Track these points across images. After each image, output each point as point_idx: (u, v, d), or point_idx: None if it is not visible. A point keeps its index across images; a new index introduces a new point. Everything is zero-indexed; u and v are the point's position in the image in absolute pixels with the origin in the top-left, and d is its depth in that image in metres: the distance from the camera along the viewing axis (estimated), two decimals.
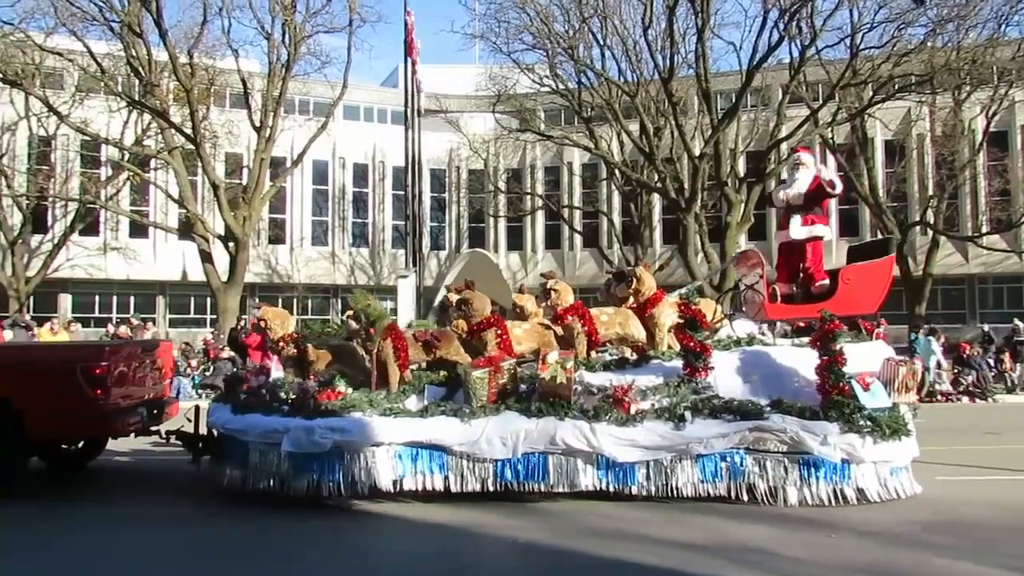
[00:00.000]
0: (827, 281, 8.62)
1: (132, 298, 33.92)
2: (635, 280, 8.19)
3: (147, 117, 26.64)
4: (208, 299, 23.98)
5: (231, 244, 23.78)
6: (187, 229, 26.28)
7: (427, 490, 6.92)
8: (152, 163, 28.49)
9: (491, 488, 6.92)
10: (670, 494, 6.83)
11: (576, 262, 38.33)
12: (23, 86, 23.59)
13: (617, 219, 35.05)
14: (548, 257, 38.29)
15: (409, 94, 21.61)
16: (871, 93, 24.91)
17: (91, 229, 31.65)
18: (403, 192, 30.10)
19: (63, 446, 8.86)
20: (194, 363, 20.56)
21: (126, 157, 27.46)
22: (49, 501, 7.54)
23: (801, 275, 8.76)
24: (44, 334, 17.98)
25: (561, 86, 27.70)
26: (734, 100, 23.85)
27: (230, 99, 30.19)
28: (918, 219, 29.47)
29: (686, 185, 25.74)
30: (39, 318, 25.07)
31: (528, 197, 37.14)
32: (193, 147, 23.44)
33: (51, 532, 6.40)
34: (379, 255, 38.20)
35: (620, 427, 6.89)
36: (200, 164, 24.37)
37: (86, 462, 9.05)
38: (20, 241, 27.89)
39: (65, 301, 32.96)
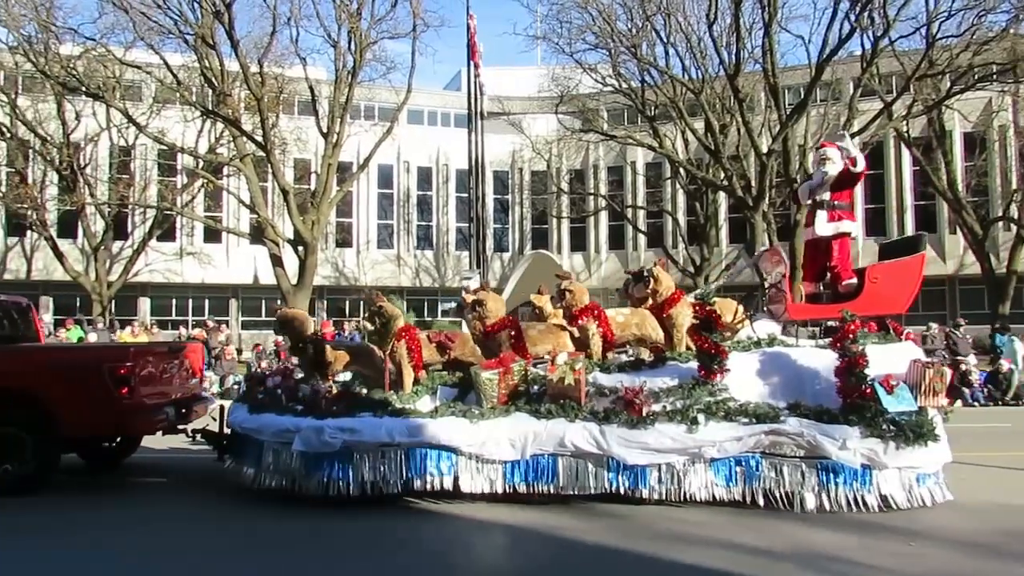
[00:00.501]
0: (854, 280, 8.27)
1: (207, 301, 35.04)
2: (652, 280, 7.98)
3: (220, 126, 27.50)
4: (278, 302, 24.53)
5: (300, 248, 24.32)
6: (258, 234, 26.99)
7: (435, 490, 6.92)
8: (225, 170, 29.37)
9: (499, 490, 6.88)
10: (683, 498, 6.71)
11: (640, 262, 37.93)
12: (105, 99, 24.60)
13: (682, 218, 34.57)
14: (612, 257, 38.02)
15: (472, 97, 21.77)
16: (949, 84, 23.96)
17: (168, 235, 32.88)
18: (466, 195, 30.44)
19: (102, 444, 9.12)
20: (264, 364, 21.07)
21: (200, 165, 28.41)
22: (99, 499, 7.84)
23: (828, 274, 8.46)
24: (125, 336, 18.76)
25: (624, 85, 27.48)
26: (803, 95, 23.22)
27: (298, 106, 30.90)
28: (1000, 215, 28.21)
29: (753, 183, 25.23)
30: (120, 321, 26.18)
31: (591, 197, 36.94)
32: (264, 154, 24.04)
33: (107, 530, 6.62)
34: (443, 257, 38.55)
35: (630, 429, 6.78)
36: (270, 170, 25.01)
37: (122, 459, 9.35)
38: (103, 247, 29.12)
39: (144, 304, 34.27)
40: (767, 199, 24.89)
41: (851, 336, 6.91)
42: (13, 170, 29.75)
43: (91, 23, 25.35)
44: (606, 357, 7.94)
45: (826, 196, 8.31)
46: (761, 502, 6.66)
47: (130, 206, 30.61)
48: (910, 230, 31.36)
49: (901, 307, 8.18)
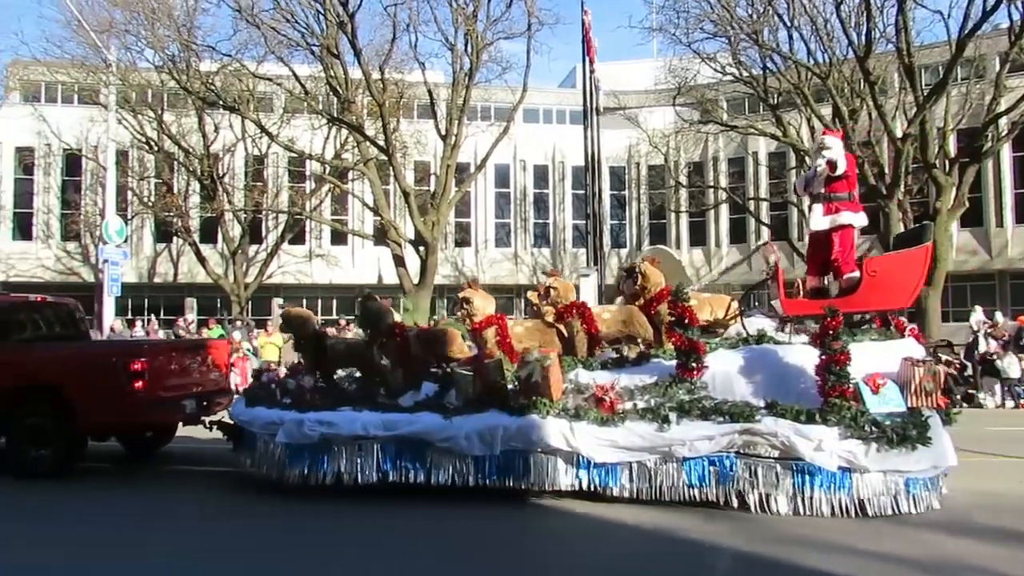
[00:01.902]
0: (856, 273, 7.82)
1: (334, 301, 36.53)
2: (640, 277, 7.86)
3: (344, 132, 28.60)
4: (401, 300, 25.27)
5: (421, 248, 24.93)
6: (382, 235, 27.91)
7: (409, 483, 7.09)
8: (350, 174, 30.56)
9: (471, 484, 6.97)
10: (655, 497, 6.64)
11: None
12: (240, 111, 26.08)
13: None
14: (733, 251, 36.93)
15: (587, 93, 21.63)
16: None
17: (298, 238, 34.56)
18: (583, 191, 30.29)
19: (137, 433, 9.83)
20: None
21: (327, 170, 29.67)
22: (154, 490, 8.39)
23: (831, 268, 8.05)
24: (261, 336, 19.86)
25: (745, 73, 26.54)
26: (942, 74, 21.70)
27: (417, 110, 31.71)
28: None
29: (887, 170, 23.78)
30: (256, 320, 27.69)
31: (711, 190, 35.98)
32: (386, 157, 24.81)
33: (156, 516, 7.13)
34: (560, 255, 38.57)
35: (600, 427, 6.72)
36: (392, 173, 25.78)
37: (158, 448, 9.98)
38: (239, 251, 30.92)
39: (277, 305, 36.15)
40: (903, 186, 23.43)
41: (832, 332, 6.66)
42: (160, 181, 32.09)
43: (226, 40, 26.97)
44: (592, 354, 7.92)
45: (821, 189, 7.98)
46: (735, 503, 6.51)
47: (264, 212, 32.37)
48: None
49: (905, 301, 7.76)
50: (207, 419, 9.02)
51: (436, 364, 8.23)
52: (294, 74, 24.79)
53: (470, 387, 7.32)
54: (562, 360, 7.58)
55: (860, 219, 8.01)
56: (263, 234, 33.70)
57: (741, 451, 6.58)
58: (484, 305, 8.06)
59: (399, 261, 25.76)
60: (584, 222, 28.81)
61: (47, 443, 8.49)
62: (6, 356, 8.91)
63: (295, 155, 29.21)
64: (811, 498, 6.36)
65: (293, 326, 9.05)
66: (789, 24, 24.52)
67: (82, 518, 7.07)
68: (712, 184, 36.14)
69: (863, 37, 22.26)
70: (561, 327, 8.08)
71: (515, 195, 38.80)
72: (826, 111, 24.99)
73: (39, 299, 10.54)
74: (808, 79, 25.41)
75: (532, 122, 37.97)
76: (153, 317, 29.36)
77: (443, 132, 25.29)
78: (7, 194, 34.88)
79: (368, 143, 25.10)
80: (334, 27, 22.87)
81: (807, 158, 28.22)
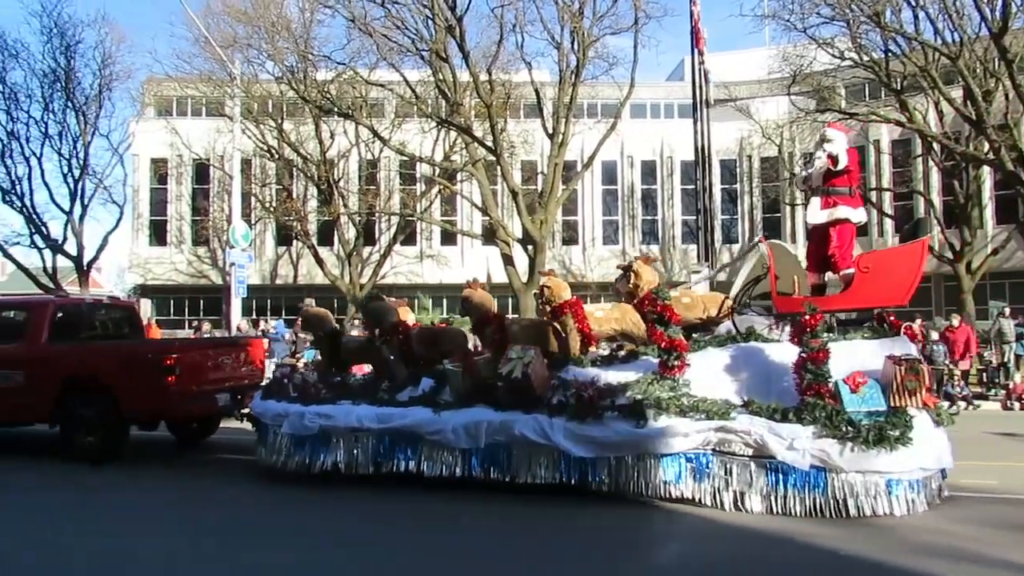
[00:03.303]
0: (852, 269, 7.70)
1: (444, 300, 37.27)
2: (633, 275, 7.91)
3: (453, 134, 29.12)
4: (510, 299, 25.48)
5: (530, 247, 25.06)
6: (490, 235, 28.23)
7: (401, 473, 7.45)
8: (458, 176, 31.08)
9: (458, 475, 7.26)
10: (634, 492, 6.71)
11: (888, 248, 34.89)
12: (354, 117, 26.99)
13: (937, 199, 31.19)
14: (856, 244, 35.23)
15: (696, 85, 21.12)
16: None
17: (410, 239, 35.44)
18: (692, 186, 29.65)
19: (191, 425, 10.69)
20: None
21: (437, 172, 30.29)
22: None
23: (829, 264, 7.94)
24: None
25: (865, 58, 25.27)
26: None
27: (524, 110, 31.89)
28: None
29: None
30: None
31: None
32: (494, 158, 25.08)
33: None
34: (669, 251, 37.92)
35: (578, 423, 6.86)
36: (500, 173, 26.04)
37: (204, 438, 10.71)
38: (354, 253, 31.99)
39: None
40: None
41: (810, 330, 6.60)
42: (281, 187, 33.61)
43: (340, 50, 27.95)
44: (585, 352, 8.07)
45: (820, 183, 7.92)
46: (708, 502, 6.52)
47: (377, 214, 33.39)
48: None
49: (900, 298, 7.51)
50: (239, 411, 9.75)
51: (437, 361, 8.53)
52: (404, 79, 25.42)
53: (460, 383, 7.61)
54: (553, 356, 7.93)
55: (858, 214, 7.90)
56: (376, 236, 34.76)
57: (717, 449, 6.60)
58: (481, 305, 8.35)
59: (508, 260, 25.98)
60: (694, 218, 28.19)
61: (94, 431, 9.37)
62: (61, 352, 9.93)
63: (406, 158, 29.96)
64: (784, 497, 6.33)
65: (312, 325, 9.72)
66: (914, 3, 23.19)
67: (116, 497, 7.89)
68: None
69: (998, 13, 20.76)
70: (557, 324, 8.30)
71: (623, 192, 38.42)
72: (956, 93, 23.50)
73: (96, 301, 11.81)
74: (936, 60, 23.94)
75: (639, 117, 37.50)
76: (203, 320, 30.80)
77: (550, 131, 25.33)
78: (144, 203, 37.49)
79: (476, 144, 25.45)
80: (443, 31, 23.31)
81: (934, 144, 26.64)
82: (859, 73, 28.13)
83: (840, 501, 6.25)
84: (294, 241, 35.54)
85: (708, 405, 6.68)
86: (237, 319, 21.78)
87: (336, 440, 7.81)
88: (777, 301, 7.89)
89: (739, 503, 6.47)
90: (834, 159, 7.68)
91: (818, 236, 8.07)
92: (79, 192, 31.55)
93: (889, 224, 34.02)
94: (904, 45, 24.25)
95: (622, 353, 8.10)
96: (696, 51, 20.85)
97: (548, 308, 8.31)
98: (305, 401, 8.20)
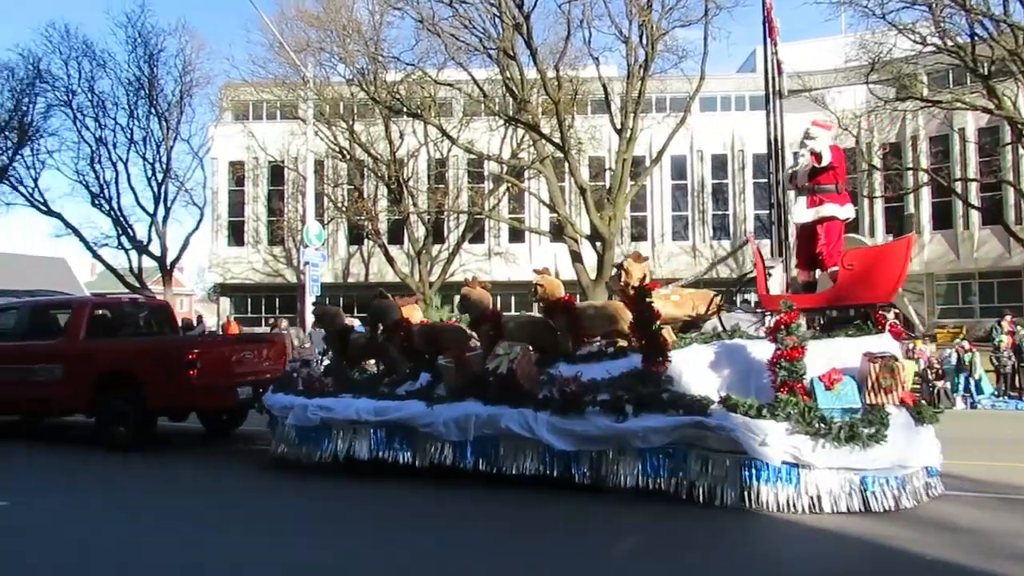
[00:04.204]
0: (838, 267, 7.68)
1: (512, 297, 37.38)
2: (624, 273, 7.98)
3: (521, 131, 29.16)
4: (578, 296, 25.37)
5: (598, 243, 24.91)
6: (558, 232, 28.15)
7: (398, 463, 7.79)
8: (526, 173, 31.11)
9: (449, 465, 7.55)
10: (615, 485, 6.84)
11: (974, 242, 33.39)
12: (423, 117, 27.31)
13: None
14: (938, 239, 33.91)
15: (769, 76, 20.53)
16: None
17: (478, 237, 35.69)
18: (765, 180, 28.87)
19: (221, 416, 11.23)
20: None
21: (504, 170, 30.38)
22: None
23: (817, 262, 7.99)
24: None
25: (949, 43, 24.20)
26: None
27: (591, 106, 31.70)
28: None
29: None
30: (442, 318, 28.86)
31: (910, 172, 33.16)
32: (562, 154, 25.01)
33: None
34: (742, 247, 37.14)
35: (561, 417, 7.08)
36: (568, 170, 25.95)
37: (233, 429, 11.14)
38: (424, 251, 32.39)
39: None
40: None
41: (785, 327, 6.65)
42: (352, 187, 34.30)
43: (409, 50, 28.31)
44: (577, 348, 8.25)
45: (806, 181, 7.92)
46: (685, 495, 6.59)
47: (446, 212, 33.71)
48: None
49: (885, 296, 7.51)
50: (258, 404, 10.05)
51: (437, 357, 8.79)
52: (472, 78, 25.57)
53: (453, 378, 7.92)
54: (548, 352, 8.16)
55: (845, 211, 7.87)
56: (445, 234, 35.13)
57: (693, 443, 6.70)
58: (479, 302, 8.65)
59: (576, 257, 25.88)
60: (767, 212, 27.55)
61: (126, 422, 10.03)
62: (96, 347, 10.61)
63: (474, 156, 30.16)
64: (758, 492, 6.38)
65: (324, 322, 10.17)
66: None
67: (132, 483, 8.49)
68: (912, 166, 33.29)
69: None
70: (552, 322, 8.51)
71: (692, 186, 37.82)
72: None
73: (132, 299, 12.62)
74: None
75: (710, 110, 36.86)
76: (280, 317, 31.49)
77: (618, 126, 25.10)
78: (223, 204, 38.80)
79: (544, 141, 25.42)
80: (510, 29, 23.35)
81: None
82: (942, 59, 26.95)
83: (813, 497, 6.30)
84: (365, 240, 36.21)
85: (686, 401, 6.84)
86: (311, 317, 22.27)
87: (336, 432, 8.21)
88: (764, 299, 7.94)
89: (715, 497, 6.55)
90: (818, 156, 7.68)
91: (806, 234, 8.10)
92: (162, 195, 32.92)
93: (975, 216, 32.60)
94: (991, 28, 23.12)
95: (611, 349, 8.26)
96: (768, 41, 20.30)
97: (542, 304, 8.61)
98: (309, 394, 8.64)
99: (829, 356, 6.86)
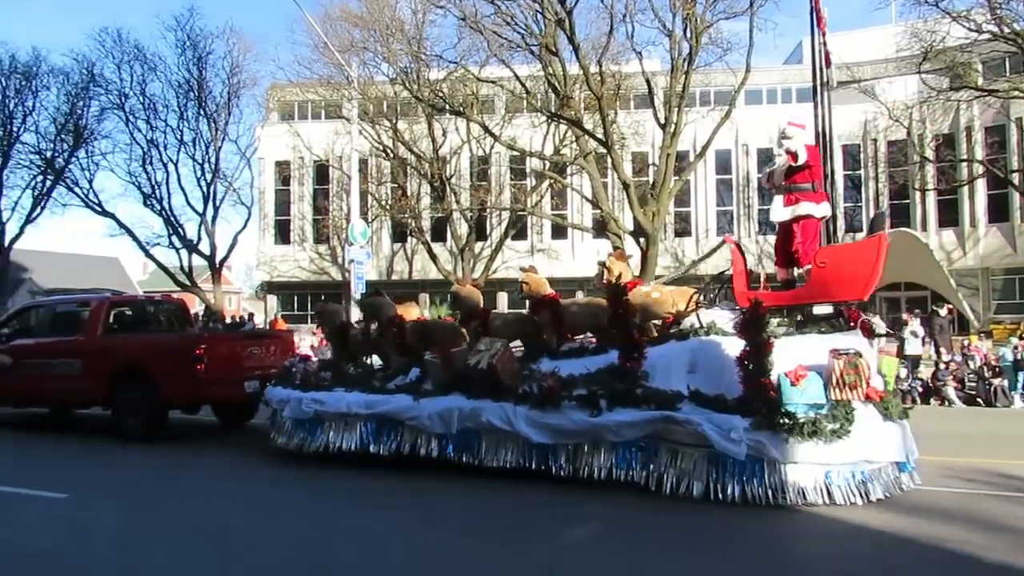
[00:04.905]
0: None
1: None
2: (606, 271, 8.19)
3: (563, 128, 29.07)
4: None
5: (641, 239, 24.73)
6: (601, 228, 28.03)
7: (388, 455, 8.08)
8: (568, 169, 31.01)
9: (435, 456, 7.82)
10: (591, 477, 7.03)
11: None
12: (465, 114, 27.41)
13: None
14: (994, 232, 32.93)
15: (817, 68, 20.12)
16: None
17: (521, 234, 35.68)
18: None
19: (233, 410, 11.56)
20: None
21: (547, 166, 30.33)
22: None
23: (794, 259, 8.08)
24: None
25: (1006, 30, 23.47)
26: None
27: (634, 100, 31.47)
28: None
29: None
30: None
31: (964, 164, 32.24)
32: (605, 150, 24.87)
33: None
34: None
35: (540, 411, 7.30)
36: (611, 165, 25.80)
37: (247, 420, 11.45)
38: (467, 248, 32.52)
39: (502, 299, 37.55)
40: None
41: (754, 323, 6.76)
42: (396, 185, 34.59)
43: (452, 48, 28.43)
44: (561, 344, 8.47)
45: (782, 180, 8.02)
46: (653, 487, 6.75)
47: (488, 210, 33.78)
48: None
49: (858, 293, 7.51)
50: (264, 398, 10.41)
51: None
52: (515, 75, 25.58)
53: (438, 373, 8.18)
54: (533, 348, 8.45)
55: (821, 209, 7.94)
56: (488, 231, 35.20)
57: (663, 437, 6.87)
58: (469, 301, 9.10)
59: (604, 254, 25.71)
60: None
61: (139, 414, 10.52)
62: (111, 343, 11.08)
63: (517, 153, 30.16)
64: (724, 485, 6.52)
65: (324, 319, 10.64)
66: None
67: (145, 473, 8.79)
68: (966, 157, 32.35)
69: None
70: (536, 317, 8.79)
71: (737, 181, 37.28)
72: None
73: (148, 298, 13.05)
74: None
75: (755, 103, 36.26)
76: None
77: (662, 121, 24.89)
78: (269, 203, 39.44)
79: (587, 137, 25.32)
80: (552, 25, 23.30)
81: None
82: (998, 46, 26.14)
83: (777, 490, 6.41)
84: (409, 237, 36.48)
85: (658, 396, 7.01)
86: (356, 315, 22.53)
87: (328, 423, 8.53)
88: (739, 296, 8.03)
89: (681, 488, 6.70)
90: (794, 155, 7.75)
91: (784, 232, 8.21)
92: (211, 195, 33.65)
93: None
94: None
95: (591, 345, 8.44)
96: (817, 31, 19.91)
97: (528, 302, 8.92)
98: (304, 388, 8.98)
99: (799, 353, 6.97)
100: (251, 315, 34.60)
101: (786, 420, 6.46)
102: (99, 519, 6.69)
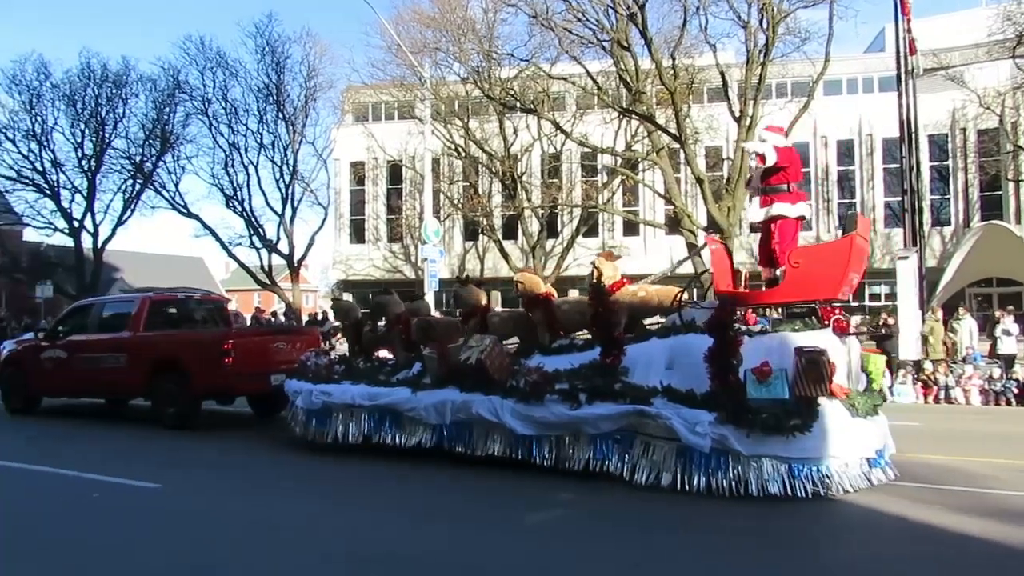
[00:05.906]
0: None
1: None
2: (595, 270, 8.51)
3: (635, 123, 28.78)
4: (695, 290, 24.80)
5: (716, 235, 24.27)
6: (674, 224, 27.66)
7: (387, 444, 8.63)
8: (640, 165, 30.69)
9: (429, 446, 8.35)
10: (572, 467, 7.45)
11: None
12: (537, 112, 27.44)
13: None
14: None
15: (900, 55, 19.43)
16: None
17: (592, 231, 35.48)
18: (896, 165, 27.37)
19: (263, 401, 12.23)
20: None
21: (619, 162, 30.09)
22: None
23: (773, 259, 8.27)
24: None
25: None
26: None
27: (708, 94, 30.92)
28: None
29: None
30: None
31: None
32: (678, 145, 24.52)
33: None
34: (871, 236, 35.29)
35: (525, 405, 7.71)
36: (684, 160, 25.41)
37: (279, 411, 11.49)
38: (538, 246, 32.55)
39: (573, 296, 37.47)
40: None
41: (724, 321, 7.06)
42: (467, 184, 34.88)
43: (522, 46, 28.40)
44: (553, 341, 8.84)
45: (759, 183, 8.23)
46: (628, 477, 7.11)
47: (559, 207, 33.73)
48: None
49: (831, 292, 7.76)
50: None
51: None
52: (586, 71, 25.45)
53: (436, 367, 8.59)
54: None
55: (796, 209, 8.08)
56: (559, 228, 35.14)
57: (637, 430, 7.21)
58: (469, 299, 9.55)
59: (692, 249, 25.33)
60: (899, 199, 26.07)
61: (174, 404, 11.36)
62: (151, 339, 12.00)
63: (588, 150, 30.04)
64: (691, 477, 6.83)
65: (339, 315, 11.03)
66: None
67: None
68: None
69: None
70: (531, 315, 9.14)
71: (816, 174, 36.21)
72: None
73: (188, 296, 13.63)
74: None
75: (834, 94, 35.20)
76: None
77: (736, 114, 24.37)
78: (345, 203, 40.35)
79: (659, 132, 25.00)
80: (624, 20, 23.10)
81: None
82: None
83: (741, 482, 6.66)
84: (480, 236, 36.73)
85: (633, 391, 7.33)
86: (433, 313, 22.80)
87: (336, 414, 9.08)
88: (719, 295, 8.28)
89: (651, 479, 7.04)
90: (762, 157, 7.95)
91: (764, 233, 8.39)
92: (289, 196, 34.56)
93: None
94: None
95: (580, 342, 8.77)
96: (901, 17, 19.19)
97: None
98: (315, 381, 9.52)
99: (768, 350, 7.19)
100: (325, 313, 35.45)
101: (749, 415, 6.72)
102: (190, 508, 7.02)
